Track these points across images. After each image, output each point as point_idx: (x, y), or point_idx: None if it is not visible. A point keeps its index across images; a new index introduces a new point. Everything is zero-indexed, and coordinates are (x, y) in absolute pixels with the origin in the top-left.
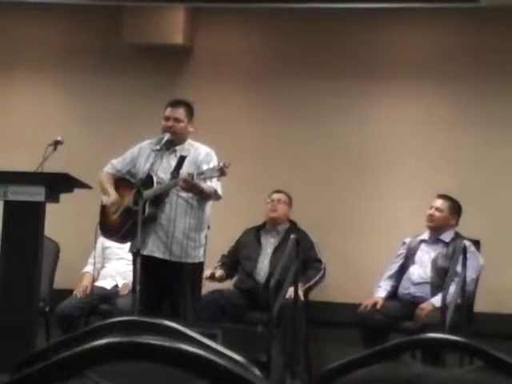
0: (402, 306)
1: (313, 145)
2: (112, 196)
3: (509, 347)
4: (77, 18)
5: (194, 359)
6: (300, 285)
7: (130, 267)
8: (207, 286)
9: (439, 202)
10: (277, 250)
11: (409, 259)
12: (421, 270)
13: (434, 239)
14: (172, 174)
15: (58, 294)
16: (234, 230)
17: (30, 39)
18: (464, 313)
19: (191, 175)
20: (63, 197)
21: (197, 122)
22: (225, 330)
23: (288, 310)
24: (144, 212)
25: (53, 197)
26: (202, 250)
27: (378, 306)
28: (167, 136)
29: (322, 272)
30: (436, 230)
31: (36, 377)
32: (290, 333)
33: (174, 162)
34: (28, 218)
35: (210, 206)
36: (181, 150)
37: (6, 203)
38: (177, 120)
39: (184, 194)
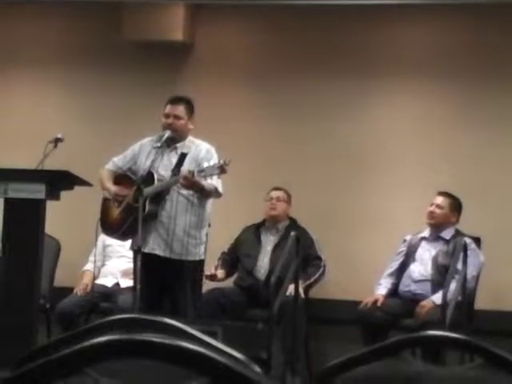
0: (402, 303)
1: (313, 142)
2: (112, 188)
3: (509, 345)
4: (76, 15)
5: (194, 356)
6: (300, 282)
7: (131, 265)
8: (207, 284)
9: (440, 199)
10: (276, 247)
11: (409, 257)
12: (421, 267)
13: (435, 236)
14: (173, 171)
15: (59, 292)
16: (234, 228)
17: (29, 37)
18: (464, 310)
19: (191, 173)
20: (64, 194)
21: (197, 119)
22: (225, 327)
23: (288, 308)
24: (144, 209)
25: (53, 194)
26: (202, 248)
27: (379, 304)
28: (167, 133)
29: (321, 269)
30: (436, 227)
31: (36, 373)
32: (291, 330)
33: (174, 160)
34: (28, 216)
35: (210, 203)
36: (181, 147)
37: (7, 201)
38: (177, 117)
39: (185, 192)
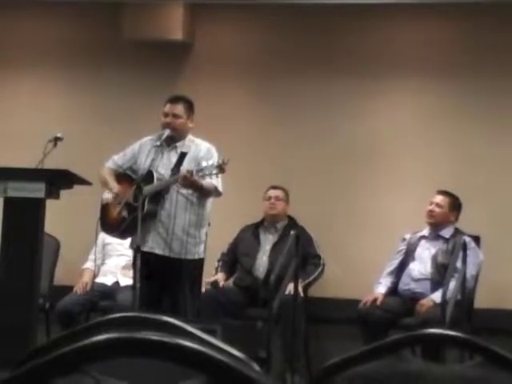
0: (402, 302)
1: (312, 141)
2: (115, 188)
3: (509, 343)
4: (76, 13)
5: (193, 355)
6: (299, 281)
7: (131, 262)
8: (207, 283)
9: (439, 198)
10: (275, 246)
11: (409, 255)
12: (421, 266)
13: (434, 235)
14: (172, 170)
15: (59, 291)
16: (233, 227)
17: (29, 35)
18: (464, 309)
19: (190, 172)
20: (63, 193)
21: (196, 118)
22: (224, 326)
23: (287, 306)
24: (143, 208)
25: (53, 193)
26: (202, 247)
27: (378, 302)
28: (167, 132)
29: (320, 268)
30: (436, 226)
31: (35, 372)
32: (290, 329)
33: (174, 159)
34: (28, 215)
35: (210, 202)
36: (181, 146)
37: (6, 200)
38: (176, 116)
39: (184, 191)
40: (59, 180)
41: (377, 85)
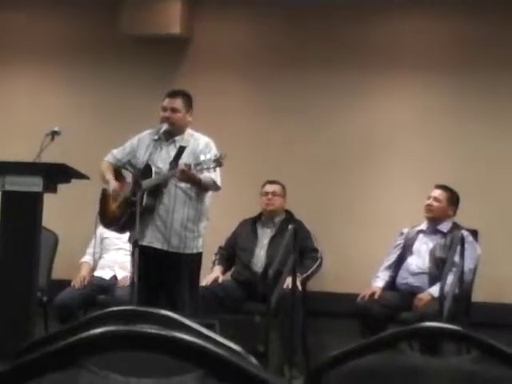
0: (400, 296)
1: (310, 136)
2: (111, 183)
3: (506, 337)
4: (74, 8)
5: (191, 348)
6: (297, 275)
7: (129, 257)
8: (205, 277)
9: (437, 192)
10: (273, 240)
11: (407, 249)
12: (419, 260)
13: (432, 229)
14: (171, 164)
15: (56, 285)
16: (231, 222)
17: (29, 30)
18: (462, 303)
19: (188, 166)
20: (61, 187)
21: (194, 112)
22: (222, 320)
23: (286, 300)
24: (142, 202)
25: (50, 187)
26: (200, 241)
27: (376, 296)
28: (165, 126)
29: (318, 261)
30: (434, 220)
31: (31, 366)
32: (288, 323)
33: (173, 153)
34: (25, 209)
35: (209, 197)
36: (180, 140)
37: (4, 194)
38: (174, 110)
39: (183, 185)
40: (57, 174)
41: (376, 79)
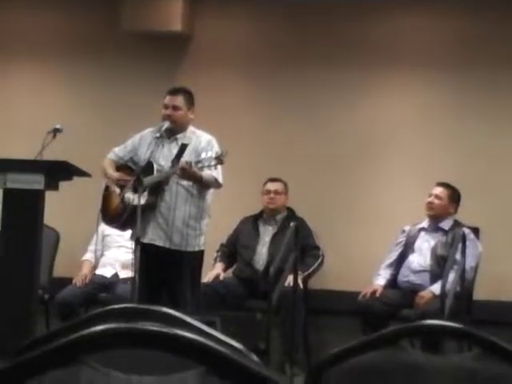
0: (401, 294)
1: (312, 133)
2: (114, 175)
3: (508, 334)
4: (75, 6)
5: (192, 345)
6: (299, 272)
7: (130, 255)
8: (207, 275)
9: (438, 190)
10: (274, 238)
11: (408, 247)
12: (420, 258)
13: (434, 227)
14: (172, 161)
15: (58, 283)
16: (232, 219)
17: (29, 27)
18: (463, 300)
19: (189, 163)
20: (63, 185)
21: (195, 110)
22: (224, 317)
23: (287, 298)
24: (135, 201)
25: (52, 185)
26: (202, 239)
27: (378, 294)
28: (166, 124)
29: (320, 259)
30: (435, 218)
31: (33, 363)
32: (289, 320)
33: (175, 150)
34: (27, 206)
35: (211, 194)
36: (182, 138)
37: (5, 191)
38: (175, 108)
39: (184, 183)
40: (58, 172)
41: (377, 77)
